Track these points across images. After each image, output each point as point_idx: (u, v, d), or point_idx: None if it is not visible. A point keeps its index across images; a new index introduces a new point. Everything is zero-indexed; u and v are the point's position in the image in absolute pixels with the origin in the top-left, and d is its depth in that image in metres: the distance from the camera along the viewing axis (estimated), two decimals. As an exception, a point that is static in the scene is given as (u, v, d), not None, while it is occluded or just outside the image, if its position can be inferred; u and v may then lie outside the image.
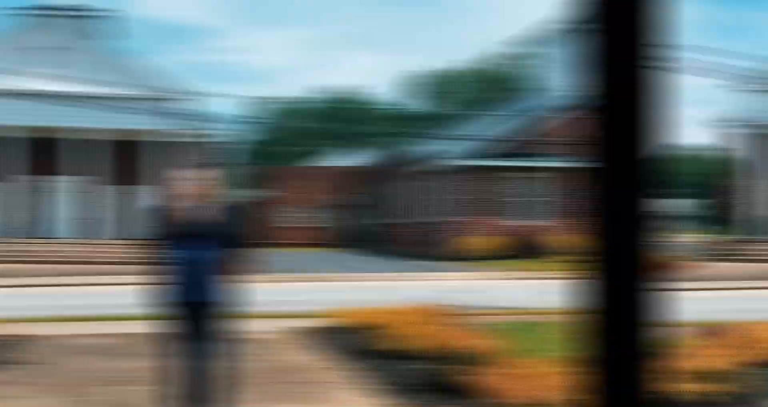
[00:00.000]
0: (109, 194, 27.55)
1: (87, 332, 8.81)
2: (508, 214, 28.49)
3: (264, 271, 20.84)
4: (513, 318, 10.01)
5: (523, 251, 26.32)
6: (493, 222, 27.96)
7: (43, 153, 26.30)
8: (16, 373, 5.90)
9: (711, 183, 34.54)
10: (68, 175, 25.50)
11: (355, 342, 7.67)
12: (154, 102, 24.18)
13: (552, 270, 4.57)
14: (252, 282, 4.86)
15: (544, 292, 5.22)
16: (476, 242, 26.86)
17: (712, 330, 6.47)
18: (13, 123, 24.57)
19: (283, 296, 14.59)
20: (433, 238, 30.48)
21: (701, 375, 4.68)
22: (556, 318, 5.05)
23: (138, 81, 24.50)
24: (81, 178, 25.25)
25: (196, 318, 4.75)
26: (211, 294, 4.73)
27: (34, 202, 26.91)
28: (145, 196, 27.34)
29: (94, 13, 28.96)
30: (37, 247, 23.59)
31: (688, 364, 4.52)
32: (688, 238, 26.48)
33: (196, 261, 4.67)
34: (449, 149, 30.96)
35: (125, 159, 27.22)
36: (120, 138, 26.53)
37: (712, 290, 16.17)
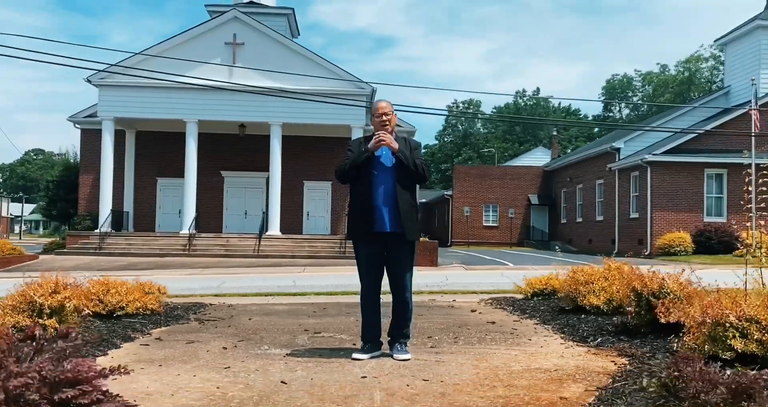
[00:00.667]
0: (304, 190, 29.85)
1: (280, 301, 9.85)
2: (698, 210, 27.12)
3: (444, 264, 21.59)
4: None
5: (716, 246, 24.97)
6: (682, 218, 26.83)
7: (246, 149, 29.01)
8: (207, 324, 6.93)
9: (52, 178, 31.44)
10: (266, 171, 26.69)
11: (548, 304, 8.07)
12: (346, 97, 25.05)
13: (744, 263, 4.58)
14: (432, 269, 5.23)
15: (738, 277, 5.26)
16: (666, 238, 25.84)
17: None
18: (225, 118, 25.91)
19: (467, 279, 15.18)
20: (623, 236, 29.79)
21: None
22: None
23: (324, 76, 25.41)
24: (277, 174, 26.70)
25: (389, 249, 4.97)
26: (402, 224, 4.88)
27: (243, 197, 29.80)
28: (328, 193, 29.41)
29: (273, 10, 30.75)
30: (246, 242, 25.97)
31: None
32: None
33: (387, 190, 4.90)
34: (638, 146, 30.12)
35: (317, 154, 29.28)
36: (324, 134, 28.57)
37: None
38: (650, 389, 3.13)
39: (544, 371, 4.50)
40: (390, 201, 4.89)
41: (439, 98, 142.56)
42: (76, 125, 28.97)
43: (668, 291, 5.49)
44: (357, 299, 5.40)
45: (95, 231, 25.19)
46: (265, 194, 27.96)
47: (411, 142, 5.18)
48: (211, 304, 9.03)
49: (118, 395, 2.99)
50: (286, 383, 4.16)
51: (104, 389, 2.85)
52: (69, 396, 2.66)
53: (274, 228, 25.92)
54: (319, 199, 29.48)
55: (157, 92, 24.79)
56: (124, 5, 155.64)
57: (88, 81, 24.99)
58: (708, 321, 4.24)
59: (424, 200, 46.87)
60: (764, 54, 28.53)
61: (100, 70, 24.05)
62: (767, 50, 28.54)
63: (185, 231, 25.23)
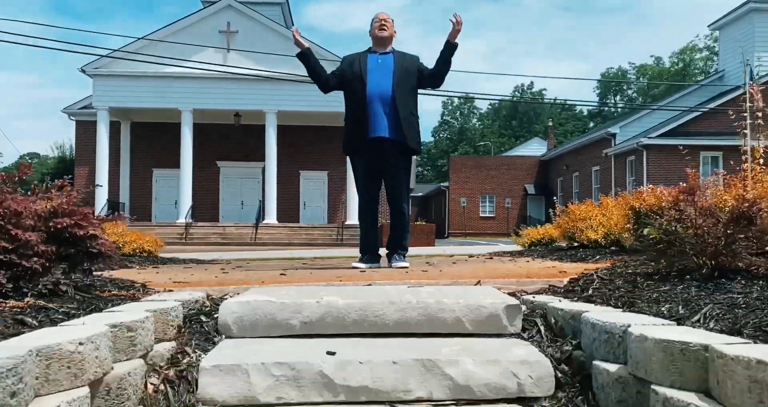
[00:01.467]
0: (300, 180, 29.83)
1: (278, 256, 9.86)
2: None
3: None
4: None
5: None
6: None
7: (242, 139, 28.98)
8: (206, 264, 6.94)
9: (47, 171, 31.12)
10: (262, 161, 26.50)
11: (546, 247, 8.07)
12: None
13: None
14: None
15: None
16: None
17: None
18: (220, 107, 25.56)
19: (465, 250, 15.19)
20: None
21: None
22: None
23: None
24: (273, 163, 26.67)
25: (387, 158, 4.91)
26: (402, 130, 4.83)
27: (239, 188, 29.78)
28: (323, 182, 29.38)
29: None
30: (245, 230, 25.92)
31: None
32: None
33: (384, 95, 4.82)
34: (633, 131, 30.20)
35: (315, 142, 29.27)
36: (320, 123, 28.52)
37: None
38: (650, 235, 3.10)
39: (543, 268, 4.49)
40: (388, 105, 4.81)
41: (436, 99, 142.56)
42: (71, 117, 28.90)
43: (666, 205, 5.47)
44: (353, 258, 5.38)
45: (91, 221, 25.06)
46: (262, 184, 27.89)
47: (411, 56, 5.12)
48: (211, 260, 9.01)
49: (113, 242, 2.97)
50: (285, 274, 4.15)
51: (100, 232, 2.84)
52: (65, 223, 2.64)
53: (271, 217, 25.86)
54: (315, 188, 29.42)
55: (152, 81, 24.76)
56: (117, 8, 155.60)
57: (83, 70, 24.93)
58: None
59: (420, 193, 46.89)
60: (758, 37, 28.64)
61: (94, 60, 24.05)
62: (761, 33, 28.64)
63: (181, 220, 25.16)
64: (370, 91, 4.82)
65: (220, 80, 24.45)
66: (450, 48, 4.85)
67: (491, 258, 6.92)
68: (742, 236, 2.67)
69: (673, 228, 2.96)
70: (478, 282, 3.20)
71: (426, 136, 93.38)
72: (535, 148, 47.22)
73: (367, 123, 4.81)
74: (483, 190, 39.66)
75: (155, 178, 29.07)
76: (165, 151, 28.18)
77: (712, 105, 27.86)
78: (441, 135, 76.83)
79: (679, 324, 2.21)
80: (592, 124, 71.47)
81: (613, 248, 6.41)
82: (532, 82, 72.40)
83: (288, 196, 28.62)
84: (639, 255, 5.03)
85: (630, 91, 70.58)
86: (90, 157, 27.20)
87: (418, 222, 21.45)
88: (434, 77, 4.98)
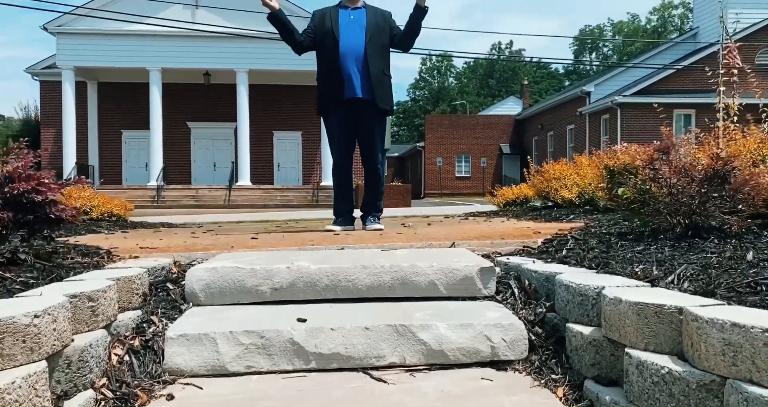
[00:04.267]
0: (274, 141, 29.49)
1: (252, 219, 9.77)
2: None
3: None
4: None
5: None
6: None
7: (213, 99, 28.50)
8: (177, 228, 6.82)
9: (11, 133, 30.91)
10: (234, 121, 26.04)
11: (521, 208, 8.07)
12: None
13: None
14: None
15: None
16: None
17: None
18: (189, 65, 24.99)
19: (441, 210, 15.19)
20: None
21: None
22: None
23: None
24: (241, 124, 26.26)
25: (360, 118, 4.81)
26: (374, 91, 4.72)
27: (212, 149, 29.36)
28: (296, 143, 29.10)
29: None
30: (217, 192, 25.66)
31: None
32: None
33: (356, 55, 4.70)
34: (608, 90, 30.25)
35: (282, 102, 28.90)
36: (293, 82, 28.10)
37: None
38: (624, 195, 3.08)
39: (516, 228, 4.47)
40: (360, 65, 4.70)
41: (413, 57, 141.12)
42: (35, 77, 28.09)
43: (639, 164, 5.46)
44: (328, 220, 5.27)
45: (61, 184, 24.60)
46: (234, 146, 27.56)
47: (384, 13, 4.96)
48: (182, 224, 8.87)
49: (74, 207, 2.86)
50: (257, 238, 4.07)
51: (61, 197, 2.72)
52: (21, 189, 2.53)
53: (245, 179, 25.60)
54: (289, 149, 29.13)
55: (118, 39, 24.08)
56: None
57: (45, 28, 24.14)
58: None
59: (396, 153, 46.74)
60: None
61: (57, 17, 23.28)
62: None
63: (153, 183, 24.79)
64: (343, 49, 4.69)
65: (189, 38, 23.86)
66: (419, 12, 4.72)
67: (466, 218, 6.89)
68: (716, 195, 2.65)
69: (648, 187, 2.93)
70: (453, 245, 3.15)
71: (402, 95, 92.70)
72: (510, 107, 47.11)
73: (341, 83, 4.69)
74: (459, 150, 39.59)
75: (125, 139, 28.53)
76: (134, 112, 27.61)
77: (686, 62, 27.93)
78: (418, 93, 76.26)
79: (653, 285, 2.18)
80: (567, 83, 71.45)
81: (587, 208, 6.42)
82: (511, 41, 71.95)
83: (262, 158, 28.33)
84: (613, 215, 5.04)
85: (606, 49, 70.47)
86: (56, 118, 26.57)
87: (393, 183, 21.36)
88: (403, 41, 4.86)
